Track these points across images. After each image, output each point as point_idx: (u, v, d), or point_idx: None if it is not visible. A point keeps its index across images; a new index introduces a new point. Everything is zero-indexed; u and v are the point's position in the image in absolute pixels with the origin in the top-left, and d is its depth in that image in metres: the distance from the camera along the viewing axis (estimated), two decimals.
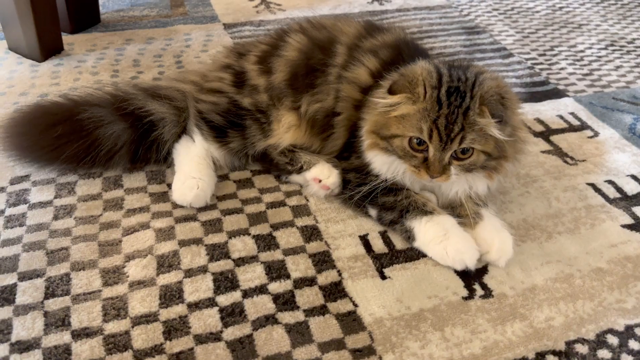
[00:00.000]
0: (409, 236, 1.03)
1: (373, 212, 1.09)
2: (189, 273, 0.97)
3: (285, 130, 1.18)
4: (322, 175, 1.14)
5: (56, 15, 1.63)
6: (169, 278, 0.96)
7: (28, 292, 0.92)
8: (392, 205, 1.05)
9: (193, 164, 1.14)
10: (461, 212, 1.05)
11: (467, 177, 1.02)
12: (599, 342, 0.89)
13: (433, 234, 1.00)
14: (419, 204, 1.04)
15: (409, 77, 0.98)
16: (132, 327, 0.88)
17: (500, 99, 0.96)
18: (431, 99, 0.95)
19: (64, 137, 1.13)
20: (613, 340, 0.90)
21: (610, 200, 1.19)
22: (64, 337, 0.86)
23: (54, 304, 0.91)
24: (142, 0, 2.11)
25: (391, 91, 0.97)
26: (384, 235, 1.07)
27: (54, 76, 1.56)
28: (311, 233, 1.07)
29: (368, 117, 1.04)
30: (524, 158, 1.14)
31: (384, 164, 1.05)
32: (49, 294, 0.92)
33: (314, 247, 1.04)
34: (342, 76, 1.13)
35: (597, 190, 1.22)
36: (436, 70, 0.99)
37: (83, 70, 1.60)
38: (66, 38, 1.75)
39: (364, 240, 1.06)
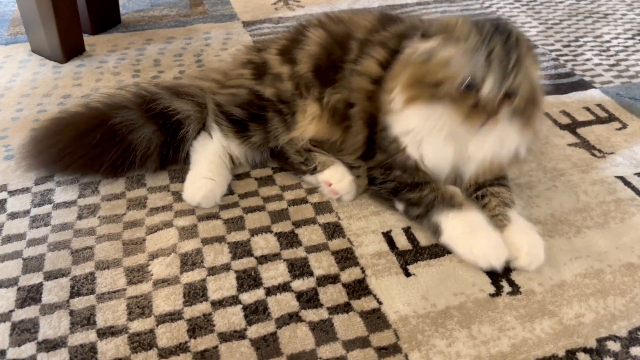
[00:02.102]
0: (436, 231, 1.02)
1: (400, 206, 1.08)
2: (213, 271, 0.97)
3: (309, 121, 1.16)
4: (333, 179, 1.12)
5: (77, 17, 1.65)
6: (193, 276, 0.96)
7: (54, 291, 0.93)
8: (417, 201, 1.04)
9: (207, 163, 1.14)
10: (488, 212, 1.03)
11: (501, 131, 0.96)
12: (632, 339, 0.87)
13: (460, 229, 0.99)
14: (445, 197, 1.02)
15: (443, 23, 0.95)
16: (157, 325, 0.88)
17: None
18: (477, 36, 0.92)
19: (100, 145, 1.11)
20: None
21: None
22: (90, 335, 0.86)
23: (79, 303, 0.91)
24: (161, 0, 2.12)
25: (425, 36, 0.96)
26: (407, 232, 1.06)
27: (77, 77, 1.58)
28: (333, 230, 1.06)
29: (399, 77, 0.99)
30: (551, 151, 1.12)
31: (422, 119, 0.97)
32: (75, 292, 0.93)
33: (336, 244, 1.03)
34: (354, 70, 1.12)
35: (627, 183, 1.19)
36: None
37: (105, 71, 1.61)
38: (87, 39, 1.77)
39: (387, 237, 1.05)
